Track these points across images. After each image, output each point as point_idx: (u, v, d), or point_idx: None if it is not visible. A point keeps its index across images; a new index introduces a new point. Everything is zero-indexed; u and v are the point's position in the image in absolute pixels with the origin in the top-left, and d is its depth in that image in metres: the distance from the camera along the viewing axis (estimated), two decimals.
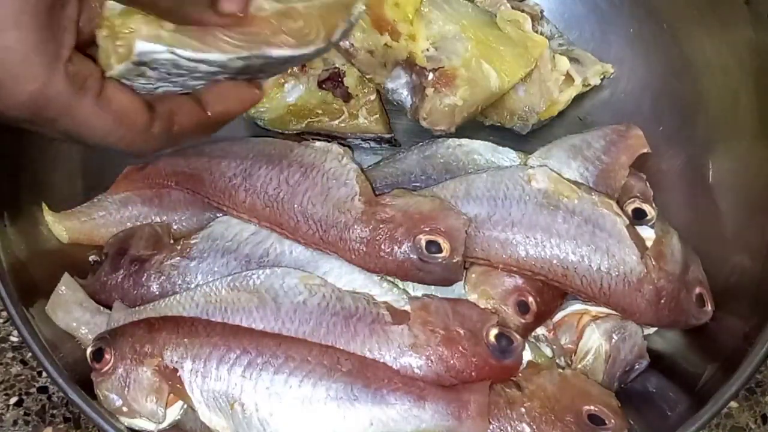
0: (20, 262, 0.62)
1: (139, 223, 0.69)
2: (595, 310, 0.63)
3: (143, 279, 0.64)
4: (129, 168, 0.71)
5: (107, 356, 0.58)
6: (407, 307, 0.60)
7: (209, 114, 0.55)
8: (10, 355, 0.74)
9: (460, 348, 0.58)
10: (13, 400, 0.72)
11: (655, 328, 0.65)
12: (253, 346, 0.57)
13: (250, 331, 0.59)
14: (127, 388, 0.57)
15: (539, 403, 0.57)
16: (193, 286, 0.63)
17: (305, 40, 0.57)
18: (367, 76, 0.72)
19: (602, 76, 0.76)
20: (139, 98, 0.51)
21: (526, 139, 0.75)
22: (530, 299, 0.62)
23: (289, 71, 0.74)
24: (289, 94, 0.75)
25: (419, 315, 0.59)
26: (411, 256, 0.60)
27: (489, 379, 0.57)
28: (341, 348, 0.58)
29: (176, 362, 0.57)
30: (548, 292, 0.63)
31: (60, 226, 0.67)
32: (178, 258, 0.64)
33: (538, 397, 0.58)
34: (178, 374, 0.57)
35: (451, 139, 0.71)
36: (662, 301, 0.61)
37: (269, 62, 0.57)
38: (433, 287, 0.63)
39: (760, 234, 0.62)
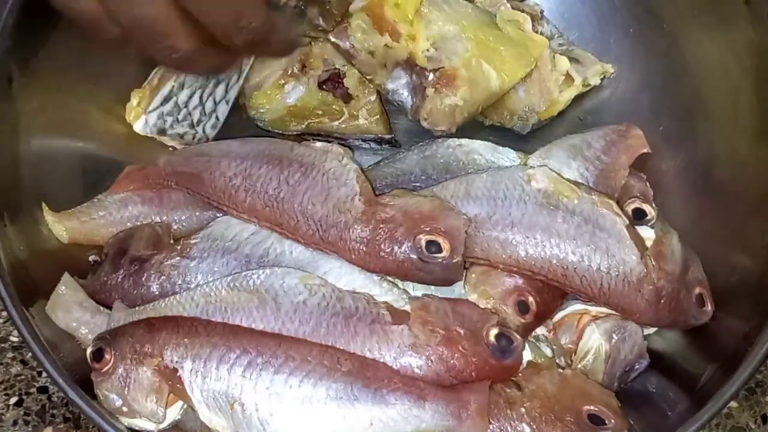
0: (20, 262, 0.62)
1: (139, 223, 0.69)
2: (595, 310, 0.63)
3: (143, 279, 0.64)
4: (129, 168, 0.71)
5: (107, 356, 0.58)
6: (407, 307, 0.60)
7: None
8: (10, 355, 0.74)
9: (460, 348, 0.58)
10: (13, 400, 0.72)
11: (655, 328, 0.65)
12: (253, 346, 0.57)
13: (250, 331, 0.59)
14: (127, 388, 0.57)
15: (539, 403, 0.57)
16: (193, 286, 0.63)
17: None
18: (368, 77, 0.72)
19: (602, 76, 0.76)
20: None
21: (526, 139, 0.75)
22: (530, 299, 0.62)
23: (289, 72, 0.74)
24: (289, 95, 0.75)
25: (419, 315, 0.59)
26: (411, 256, 0.60)
27: (489, 379, 0.57)
28: (341, 348, 0.58)
29: (176, 362, 0.57)
30: (548, 292, 0.63)
31: (60, 226, 0.67)
32: (178, 258, 0.64)
33: (538, 397, 0.58)
34: (178, 374, 0.57)
35: (451, 139, 0.71)
36: (662, 301, 0.61)
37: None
38: (433, 287, 0.63)
39: (760, 234, 0.62)
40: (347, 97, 0.74)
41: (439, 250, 0.60)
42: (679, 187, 0.71)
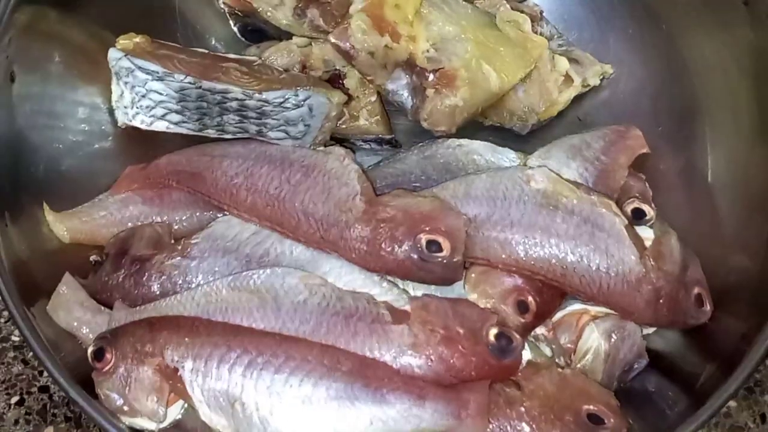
0: (21, 262, 0.62)
1: (140, 223, 0.69)
2: (594, 309, 0.63)
3: (144, 279, 0.64)
4: (130, 168, 0.71)
5: (108, 356, 0.58)
6: (407, 307, 0.60)
7: None
8: (11, 354, 0.74)
9: (460, 347, 0.58)
10: (15, 399, 0.72)
11: (654, 328, 0.65)
12: (253, 346, 0.58)
13: (250, 331, 0.59)
14: (128, 388, 0.57)
15: (539, 403, 0.57)
16: (193, 285, 0.63)
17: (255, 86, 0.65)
18: (368, 78, 0.72)
19: (601, 77, 0.76)
20: None
21: (525, 139, 0.75)
22: (530, 299, 0.62)
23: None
24: None
25: (419, 314, 0.59)
26: (411, 255, 0.60)
27: (489, 379, 0.57)
28: (341, 347, 0.58)
29: (177, 362, 0.57)
30: (548, 292, 0.63)
31: (61, 226, 0.68)
32: (179, 258, 0.64)
33: (537, 397, 0.58)
34: (178, 374, 0.57)
35: (451, 140, 0.71)
36: (661, 301, 0.62)
37: (226, 103, 0.65)
38: (433, 287, 0.63)
39: (760, 234, 0.62)
40: (348, 98, 0.74)
41: (440, 250, 0.60)
42: (679, 187, 0.71)
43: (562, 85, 0.73)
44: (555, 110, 0.75)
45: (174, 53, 0.67)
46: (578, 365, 0.62)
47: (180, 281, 0.64)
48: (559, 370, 0.60)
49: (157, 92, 0.66)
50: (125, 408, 0.57)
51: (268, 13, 0.73)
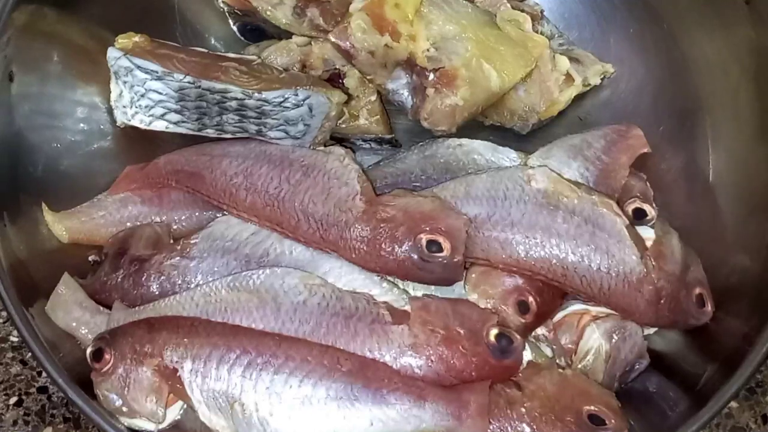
0: (20, 262, 0.62)
1: (139, 223, 0.69)
2: (595, 310, 0.63)
3: (143, 279, 0.64)
4: (129, 168, 0.71)
5: (107, 356, 0.58)
6: (407, 307, 0.60)
7: None
8: (9, 355, 0.74)
9: (460, 348, 0.58)
10: (13, 400, 0.72)
11: (655, 328, 0.65)
12: (253, 346, 0.57)
13: (250, 331, 0.59)
14: (127, 388, 0.57)
15: (539, 403, 0.57)
16: (193, 286, 0.63)
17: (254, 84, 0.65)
18: (368, 77, 0.72)
19: (602, 76, 0.76)
20: None
21: (526, 139, 0.75)
22: (530, 299, 0.62)
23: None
24: None
25: (419, 315, 0.59)
26: (412, 255, 0.60)
27: (489, 379, 0.57)
28: (341, 348, 0.58)
29: (176, 362, 0.57)
30: (548, 292, 0.63)
31: (60, 226, 0.67)
32: (178, 258, 0.64)
33: (538, 397, 0.58)
34: (178, 374, 0.57)
35: (451, 139, 0.71)
36: (662, 301, 0.61)
37: (225, 102, 0.65)
38: (433, 287, 0.63)
39: (760, 234, 0.62)
40: (347, 97, 0.74)
41: (440, 250, 0.60)
42: (679, 187, 0.71)
43: (562, 84, 0.73)
44: (556, 110, 0.75)
45: (173, 52, 0.67)
46: (579, 366, 0.62)
47: (179, 281, 0.64)
48: (560, 370, 0.60)
49: (156, 92, 0.66)
50: (124, 409, 0.57)
51: (268, 12, 0.73)
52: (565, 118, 0.77)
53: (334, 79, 0.74)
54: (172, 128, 0.67)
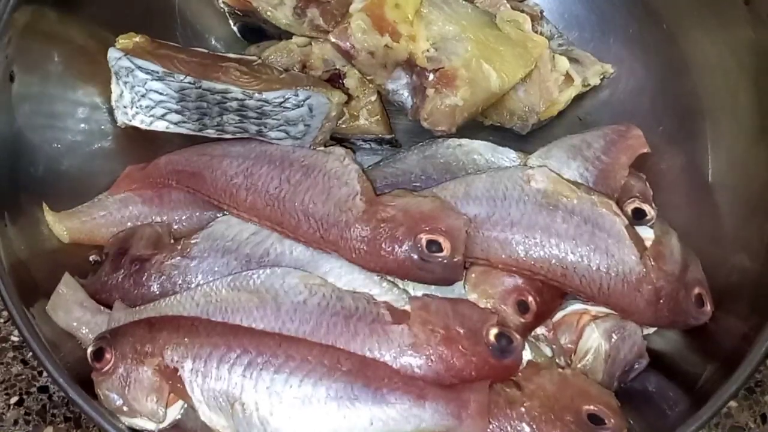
0: (21, 262, 0.62)
1: (139, 223, 0.69)
2: (594, 309, 0.63)
3: (144, 279, 0.64)
4: (130, 168, 0.71)
5: (108, 356, 0.58)
6: (407, 307, 0.60)
7: None
8: (10, 354, 0.74)
9: (460, 347, 0.58)
10: (14, 399, 0.72)
11: (654, 328, 0.65)
12: (253, 346, 0.57)
13: (250, 331, 0.59)
14: (127, 388, 0.57)
15: (539, 403, 0.57)
16: (193, 285, 0.63)
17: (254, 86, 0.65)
18: (368, 77, 0.72)
19: (602, 76, 0.76)
20: None
21: (526, 139, 0.75)
22: (530, 299, 0.62)
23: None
24: None
25: (419, 314, 0.59)
26: (412, 255, 0.60)
27: (489, 379, 0.57)
28: (341, 347, 0.58)
29: (177, 362, 0.57)
30: (548, 292, 0.63)
31: (61, 226, 0.68)
32: (179, 258, 0.64)
33: (537, 397, 0.58)
34: (178, 374, 0.57)
35: (451, 139, 0.71)
36: (661, 301, 0.61)
37: (226, 103, 0.65)
38: (433, 287, 0.63)
39: (760, 234, 0.62)
40: (348, 98, 0.74)
41: (440, 250, 0.60)
42: (679, 187, 0.71)
43: (562, 84, 0.73)
44: (555, 110, 0.75)
45: (174, 53, 0.67)
46: (578, 365, 0.62)
47: (180, 281, 0.64)
48: (560, 370, 0.60)
49: (157, 92, 0.66)
50: (125, 408, 0.57)
51: (268, 13, 0.73)
52: (565, 118, 0.77)
53: (334, 79, 0.74)
54: (173, 128, 0.67)
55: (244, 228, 0.65)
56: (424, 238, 0.60)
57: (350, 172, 0.64)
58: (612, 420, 0.57)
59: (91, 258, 0.68)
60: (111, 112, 0.70)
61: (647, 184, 0.69)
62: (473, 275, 0.63)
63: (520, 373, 0.60)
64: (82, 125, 0.71)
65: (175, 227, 0.69)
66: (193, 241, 0.65)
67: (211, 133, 0.68)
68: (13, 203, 0.65)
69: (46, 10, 0.67)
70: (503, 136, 0.74)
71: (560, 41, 0.77)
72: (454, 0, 0.70)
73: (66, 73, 0.70)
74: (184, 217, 0.69)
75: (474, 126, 0.74)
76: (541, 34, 0.74)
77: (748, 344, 0.56)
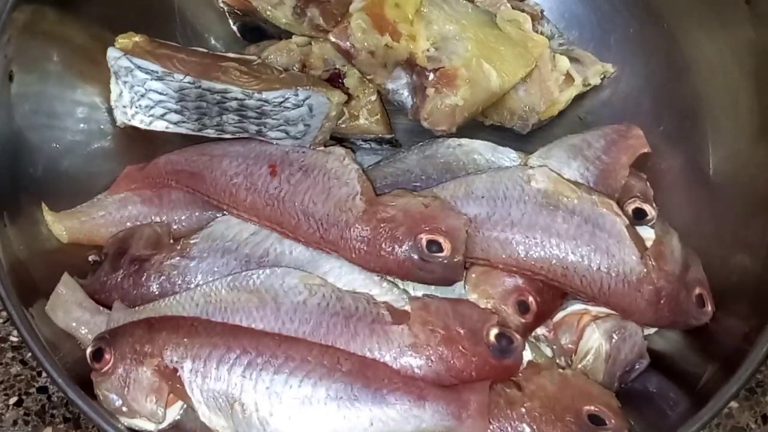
0: (20, 262, 0.62)
1: (138, 223, 0.69)
2: (595, 310, 0.63)
3: (143, 279, 0.64)
4: (129, 168, 0.71)
5: (107, 356, 0.58)
6: (407, 307, 0.60)
7: None
8: (9, 355, 0.74)
9: (460, 348, 0.58)
10: (13, 400, 0.72)
11: (655, 328, 0.65)
12: (253, 346, 0.57)
13: (250, 331, 0.59)
14: (126, 388, 0.57)
15: (539, 403, 0.57)
16: (193, 286, 0.63)
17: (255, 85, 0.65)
18: (368, 77, 0.72)
19: (602, 76, 0.76)
20: None
21: (526, 139, 0.75)
22: (530, 299, 0.62)
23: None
24: None
25: (419, 315, 0.59)
26: (412, 255, 0.60)
27: (489, 379, 0.57)
28: (341, 348, 0.58)
29: (176, 362, 0.57)
30: (548, 292, 0.63)
31: (60, 226, 0.67)
32: (178, 258, 0.64)
33: (538, 397, 0.58)
34: (178, 374, 0.57)
35: (451, 139, 0.71)
36: (662, 301, 0.61)
37: (226, 103, 0.65)
38: (433, 287, 0.63)
39: (760, 234, 0.62)
40: (347, 98, 0.74)
41: (440, 250, 0.60)
42: (679, 187, 0.71)
43: (562, 84, 0.73)
44: (556, 109, 0.75)
45: (173, 53, 0.67)
46: (579, 366, 0.62)
47: (179, 281, 0.64)
48: (560, 370, 0.60)
49: (157, 92, 0.66)
50: (124, 409, 0.57)
51: (268, 12, 0.73)
52: (565, 118, 0.77)
53: (334, 79, 0.74)
54: (173, 128, 0.67)
55: (244, 228, 0.65)
56: (424, 238, 0.60)
57: (350, 171, 0.64)
58: (613, 420, 0.57)
59: (90, 258, 0.68)
60: (110, 111, 0.70)
61: (648, 183, 0.69)
62: (473, 275, 0.63)
63: (520, 374, 0.60)
64: (82, 125, 0.71)
65: (175, 227, 0.69)
66: (192, 241, 0.65)
67: (210, 133, 0.67)
68: (13, 203, 0.65)
69: (46, 9, 0.67)
70: (503, 135, 0.74)
71: (561, 41, 0.77)
72: None
73: (65, 72, 0.70)
74: (183, 217, 0.69)
75: (474, 126, 0.74)
76: (542, 33, 0.74)
77: (749, 344, 0.56)
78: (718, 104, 0.69)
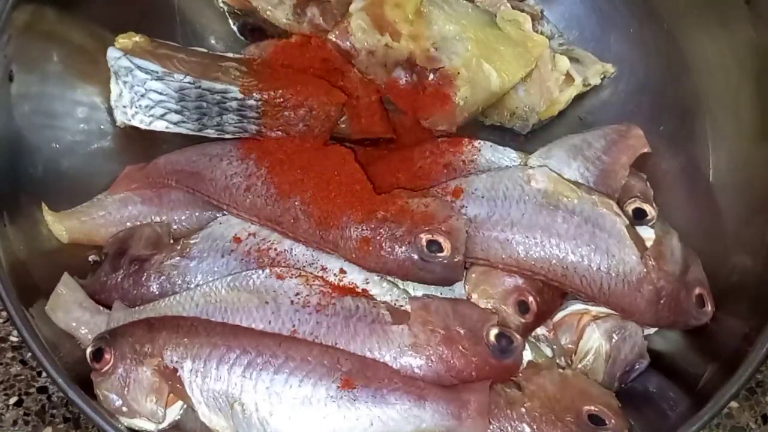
0: (20, 262, 0.62)
1: (138, 223, 0.69)
2: (595, 310, 0.63)
3: (143, 279, 0.64)
4: (129, 167, 0.71)
5: (107, 356, 0.58)
6: (407, 307, 0.60)
7: None
8: (9, 355, 0.74)
9: (461, 348, 0.58)
10: (13, 400, 0.72)
11: (655, 328, 0.65)
12: (253, 346, 0.57)
13: (250, 331, 0.59)
14: (126, 388, 0.57)
15: (539, 403, 0.57)
16: (193, 286, 0.63)
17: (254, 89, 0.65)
18: (368, 77, 0.72)
19: (602, 76, 0.76)
20: None
21: (526, 138, 0.75)
22: (530, 299, 0.62)
23: None
24: None
25: (419, 315, 0.59)
26: (412, 255, 0.60)
27: (489, 379, 0.57)
28: (341, 348, 0.58)
29: (176, 362, 0.57)
30: (548, 292, 0.63)
31: (60, 226, 0.67)
32: (178, 258, 0.64)
33: (538, 397, 0.58)
34: (178, 374, 0.57)
35: None
36: (662, 301, 0.61)
37: (226, 103, 0.64)
38: (433, 287, 0.63)
39: (760, 234, 0.62)
40: (347, 98, 0.74)
41: (440, 250, 0.60)
42: (679, 187, 0.71)
43: (562, 84, 0.73)
44: (556, 109, 0.75)
45: (173, 53, 0.67)
46: (579, 366, 0.62)
47: (179, 281, 0.64)
48: (560, 370, 0.60)
49: (157, 92, 0.66)
50: (124, 409, 0.57)
51: (268, 12, 0.73)
52: (565, 118, 0.77)
53: (334, 79, 0.74)
54: (173, 128, 0.67)
55: (244, 228, 0.65)
56: (424, 238, 0.60)
57: (350, 171, 0.64)
58: (613, 420, 0.57)
59: (90, 258, 0.68)
60: (110, 111, 0.70)
61: (648, 183, 0.69)
62: (473, 275, 0.63)
63: (520, 374, 0.60)
64: (82, 125, 0.71)
65: (175, 227, 0.69)
66: (192, 241, 0.65)
67: (210, 133, 0.67)
68: (13, 203, 0.64)
69: (46, 9, 0.67)
70: (504, 135, 0.74)
71: (561, 41, 0.77)
72: None
73: (65, 72, 0.70)
74: (183, 217, 0.69)
75: (474, 125, 0.74)
76: (542, 33, 0.74)
77: (749, 344, 0.56)
78: (718, 104, 0.69)
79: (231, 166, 0.66)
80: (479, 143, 0.69)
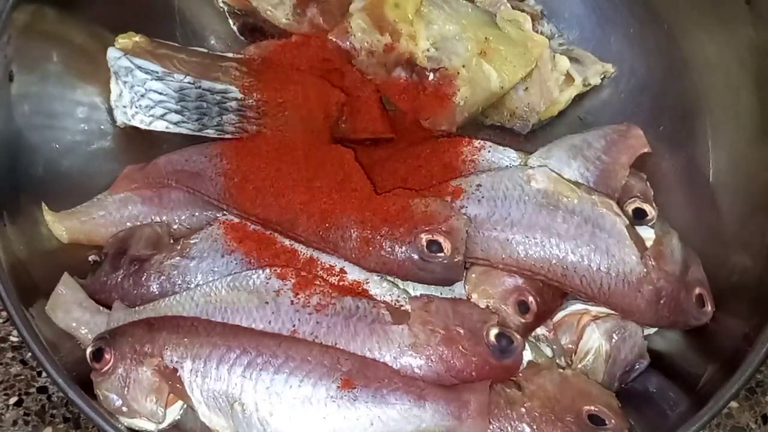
0: (20, 262, 0.62)
1: (138, 223, 0.69)
2: (595, 310, 0.63)
3: (143, 279, 0.64)
4: (129, 167, 0.71)
5: (107, 356, 0.58)
6: (407, 307, 0.60)
7: None
8: (9, 355, 0.74)
9: (461, 348, 0.58)
10: (13, 400, 0.72)
11: (655, 329, 0.65)
12: (253, 346, 0.57)
13: (250, 331, 0.59)
14: (126, 388, 0.57)
15: (539, 403, 0.57)
16: (193, 286, 0.63)
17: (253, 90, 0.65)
18: (368, 77, 0.72)
19: (602, 76, 0.76)
20: None
21: (526, 138, 0.75)
22: (530, 299, 0.62)
23: None
24: None
25: (419, 315, 0.59)
26: (412, 255, 0.60)
27: (489, 379, 0.57)
28: (341, 348, 0.58)
29: (176, 362, 0.57)
30: (548, 292, 0.63)
31: (60, 226, 0.67)
32: (178, 258, 0.64)
33: (538, 397, 0.58)
34: (178, 374, 0.57)
35: None
36: (662, 301, 0.61)
37: (226, 103, 0.65)
38: (433, 287, 0.63)
39: (760, 234, 0.62)
40: (347, 98, 0.74)
41: (440, 250, 0.60)
42: (679, 187, 0.71)
43: (562, 84, 0.73)
44: (556, 109, 0.75)
45: (173, 53, 0.67)
46: (579, 366, 0.62)
47: (179, 281, 0.64)
48: (560, 370, 0.60)
49: (157, 92, 0.66)
50: (124, 409, 0.57)
51: (268, 12, 0.73)
52: (565, 118, 0.77)
53: (334, 79, 0.74)
54: (173, 128, 0.67)
55: None
56: (424, 238, 0.60)
57: (350, 171, 0.64)
58: (613, 420, 0.57)
59: (90, 258, 0.68)
60: (110, 111, 0.70)
61: (648, 183, 0.69)
62: (473, 275, 0.63)
63: (520, 374, 0.60)
64: (82, 125, 0.71)
65: (175, 227, 0.69)
66: (192, 241, 0.65)
67: (210, 133, 0.67)
68: (13, 203, 0.64)
69: (46, 9, 0.67)
70: (504, 135, 0.74)
71: (561, 41, 0.77)
72: None
73: (65, 72, 0.70)
74: (183, 217, 0.69)
75: (474, 125, 0.74)
76: (542, 33, 0.74)
77: (749, 344, 0.56)
78: (718, 104, 0.69)
79: (231, 166, 0.66)
80: (479, 143, 0.69)
